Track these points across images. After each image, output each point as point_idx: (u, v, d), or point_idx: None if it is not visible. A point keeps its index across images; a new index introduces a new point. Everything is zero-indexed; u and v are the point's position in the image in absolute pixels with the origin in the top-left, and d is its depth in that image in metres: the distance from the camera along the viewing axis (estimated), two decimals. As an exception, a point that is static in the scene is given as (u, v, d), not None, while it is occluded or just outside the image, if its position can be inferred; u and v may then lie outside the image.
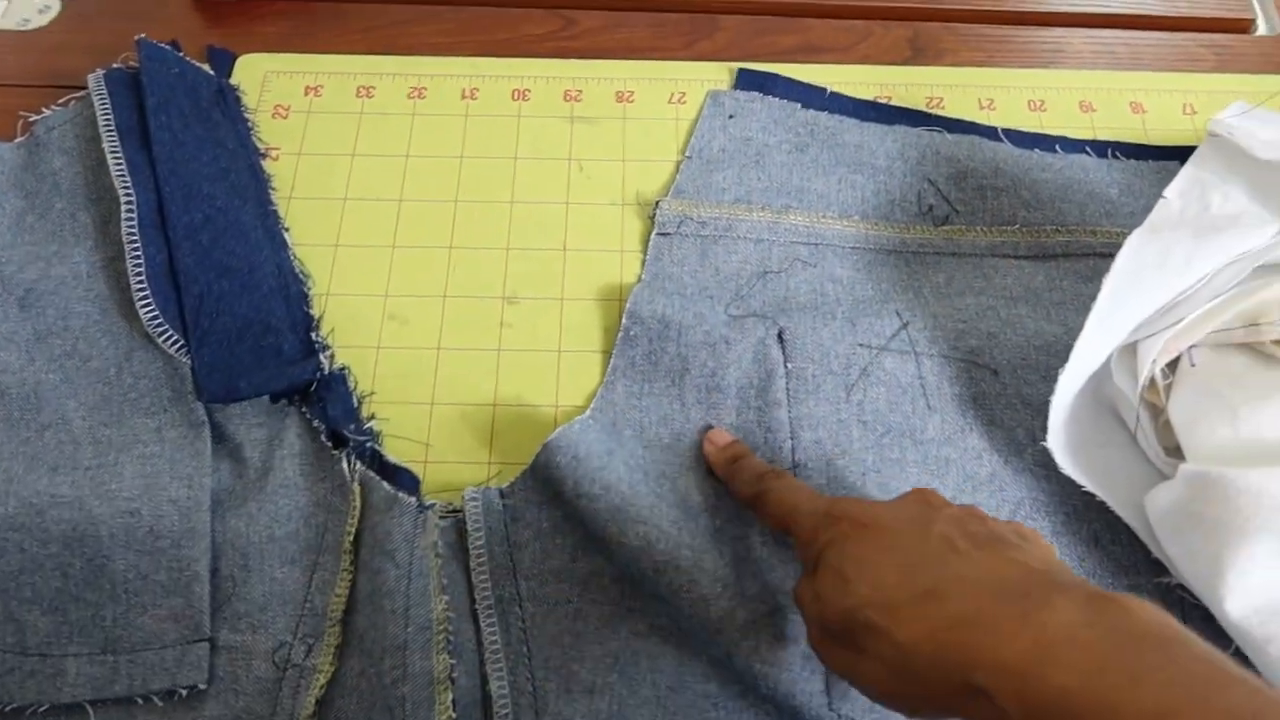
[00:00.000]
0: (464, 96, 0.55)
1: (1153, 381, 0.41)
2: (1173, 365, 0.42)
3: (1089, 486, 0.41)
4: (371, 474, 0.42)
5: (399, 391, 0.46)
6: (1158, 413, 0.42)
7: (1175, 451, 0.41)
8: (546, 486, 0.42)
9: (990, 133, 0.54)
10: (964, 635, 0.27)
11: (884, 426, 0.45)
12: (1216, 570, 0.38)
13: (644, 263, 0.49)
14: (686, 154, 0.52)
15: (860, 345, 0.46)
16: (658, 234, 0.50)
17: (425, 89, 0.55)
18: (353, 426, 0.43)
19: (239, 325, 0.45)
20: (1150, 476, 0.43)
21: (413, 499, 0.41)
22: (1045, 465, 0.43)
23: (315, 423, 0.44)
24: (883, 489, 0.43)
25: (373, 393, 0.46)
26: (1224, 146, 0.40)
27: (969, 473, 0.44)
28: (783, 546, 0.42)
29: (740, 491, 0.41)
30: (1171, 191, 0.40)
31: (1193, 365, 0.41)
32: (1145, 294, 0.39)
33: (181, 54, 0.53)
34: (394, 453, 0.44)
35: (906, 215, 0.51)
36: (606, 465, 0.41)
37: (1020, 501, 0.43)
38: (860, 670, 0.30)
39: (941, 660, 0.27)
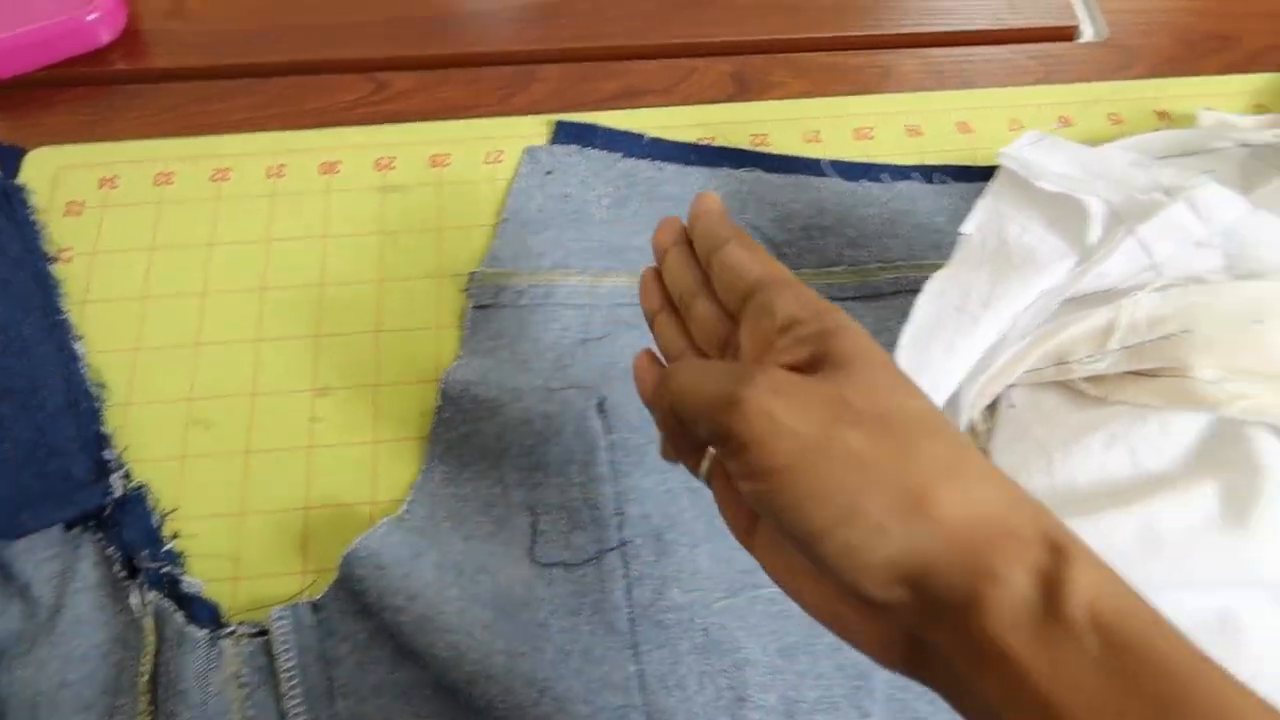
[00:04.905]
0: (270, 175, 0.52)
1: (974, 426, 0.40)
2: (994, 407, 0.41)
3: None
4: (167, 605, 0.39)
5: (205, 504, 0.43)
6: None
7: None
8: (356, 597, 0.39)
9: (815, 167, 0.52)
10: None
11: (714, 493, 0.43)
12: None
13: (462, 339, 0.47)
14: (503, 217, 0.50)
15: (684, 409, 0.44)
16: (474, 307, 0.48)
17: (229, 170, 0.52)
18: (148, 552, 0.41)
19: (22, 452, 0.42)
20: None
21: (203, 631, 0.38)
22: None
23: (111, 550, 0.41)
24: (714, 558, 0.42)
25: (176, 509, 0.43)
26: (1018, 177, 0.39)
27: (803, 533, 0.42)
28: (613, 634, 0.40)
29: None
30: (969, 226, 0.39)
31: (1011, 407, 0.40)
32: (947, 340, 0.38)
33: (-43, 157, 0.50)
34: (200, 572, 0.42)
35: (732, 263, 0.49)
36: (412, 571, 0.39)
37: (856, 559, 0.42)
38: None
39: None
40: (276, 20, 0.58)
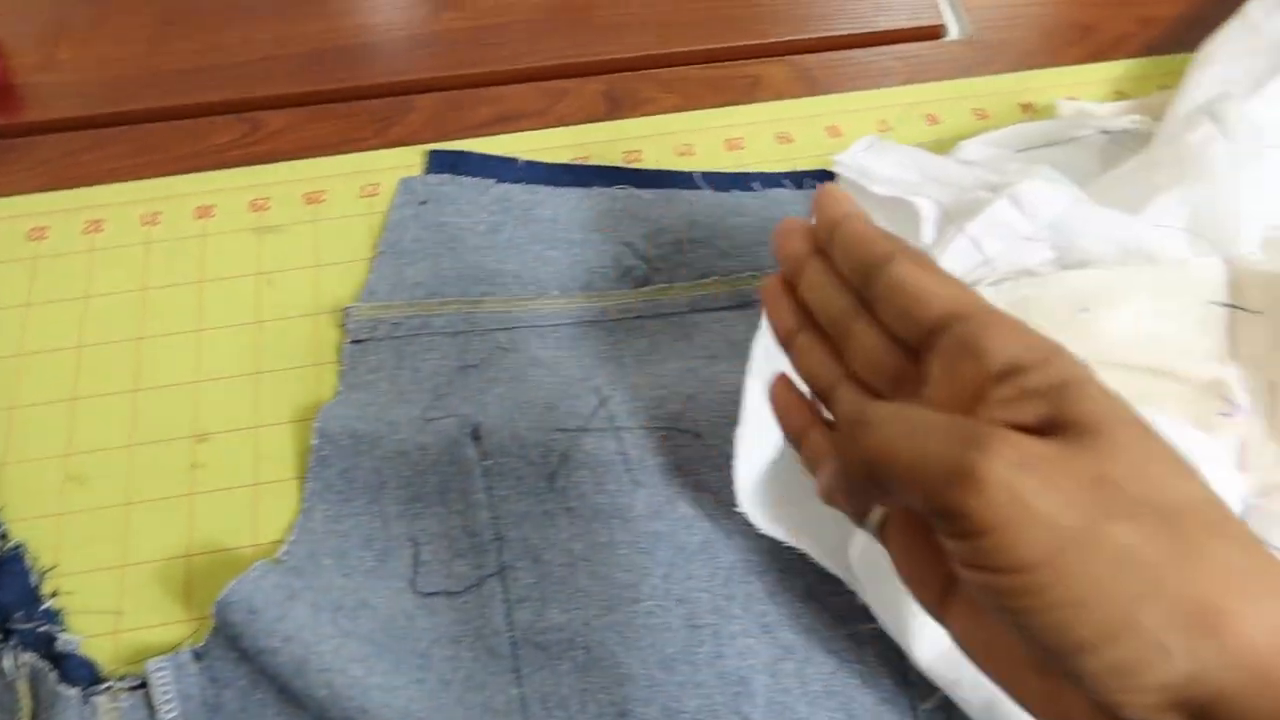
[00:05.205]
0: (144, 223, 0.52)
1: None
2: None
3: (791, 542, 0.41)
4: (42, 665, 0.39)
5: (85, 559, 0.43)
6: (847, 457, 0.42)
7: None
8: (233, 643, 0.40)
9: (688, 180, 0.53)
10: None
11: (591, 510, 0.43)
12: (902, 618, 0.38)
13: (340, 375, 0.47)
14: (379, 250, 0.51)
15: (559, 430, 0.44)
16: (351, 342, 0.48)
17: (103, 221, 0.52)
18: (23, 612, 0.40)
19: (-108, 521, 0.42)
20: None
21: (74, 690, 0.38)
22: (756, 523, 0.42)
23: (-12, 613, 0.41)
24: (592, 576, 0.42)
25: (55, 566, 0.43)
26: (856, 183, 0.40)
27: (680, 544, 0.43)
28: (495, 659, 0.40)
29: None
30: (814, 234, 0.40)
31: (867, 407, 0.40)
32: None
33: None
34: (82, 628, 0.41)
35: (606, 282, 0.50)
36: (286, 613, 0.39)
37: (733, 565, 0.43)
38: None
39: None
40: (148, 66, 0.58)
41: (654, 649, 0.41)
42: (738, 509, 0.41)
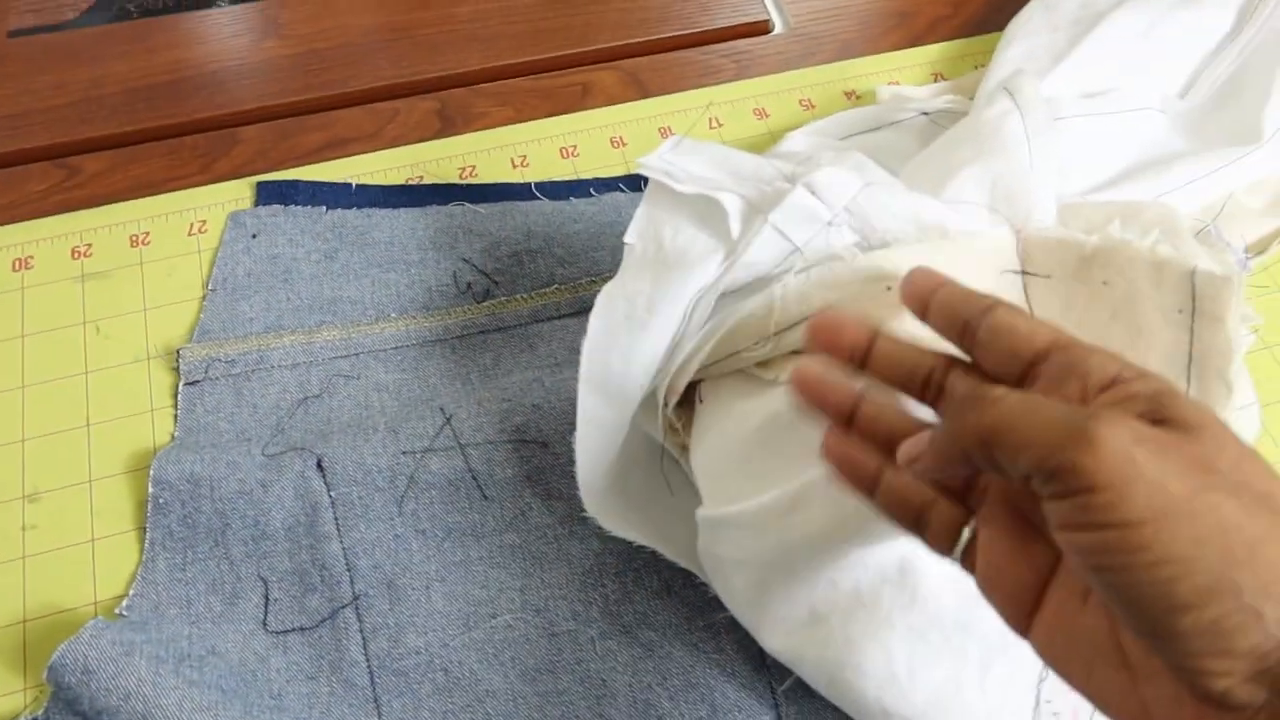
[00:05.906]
0: (-43, 281, 0.50)
1: (672, 425, 0.42)
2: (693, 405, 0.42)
3: (642, 541, 0.41)
4: None
5: (-89, 638, 0.41)
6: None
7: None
8: (71, 706, 0.38)
9: (525, 192, 0.53)
10: None
11: (443, 530, 0.43)
12: (748, 607, 0.39)
13: (177, 419, 0.46)
14: (210, 287, 0.50)
15: (404, 453, 0.44)
16: (185, 384, 0.47)
17: (-88, 283, 0.50)
18: None
19: None
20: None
21: (-103, 778, 0.37)
22: (611, 525, 0.42)
23: None
24: (449, 596, 0.42)
25: (-123, 649, 0.41)
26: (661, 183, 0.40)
27: (535, 554, 0.43)
28: (352, 691, 0.40)
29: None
30: (631, 235, 0.41)
31: (700, 402, 0.41)
32: (622, 349, 0.39)
33: None
34: (-90, 712, 0.40)
35: (446, 300, 0.50)
36: (124, 669, 0.38)
37: (589, 570, 0.43)
38: None
39: None
40: (-47, 117, 0.56)
41: (515, 662, 0.41)
42: (586, 514, 0.41)
